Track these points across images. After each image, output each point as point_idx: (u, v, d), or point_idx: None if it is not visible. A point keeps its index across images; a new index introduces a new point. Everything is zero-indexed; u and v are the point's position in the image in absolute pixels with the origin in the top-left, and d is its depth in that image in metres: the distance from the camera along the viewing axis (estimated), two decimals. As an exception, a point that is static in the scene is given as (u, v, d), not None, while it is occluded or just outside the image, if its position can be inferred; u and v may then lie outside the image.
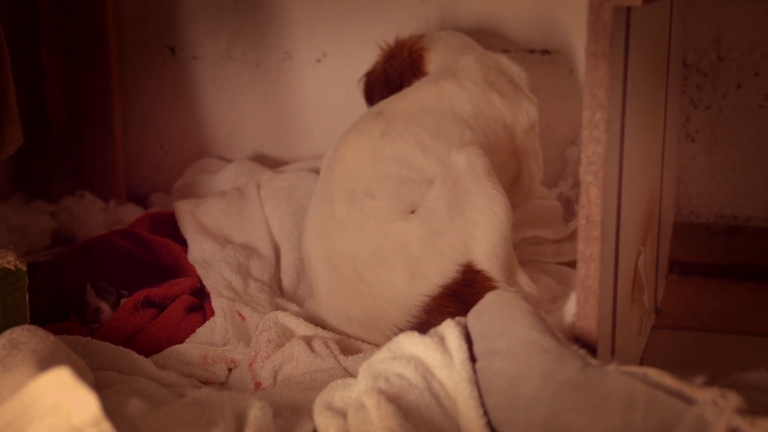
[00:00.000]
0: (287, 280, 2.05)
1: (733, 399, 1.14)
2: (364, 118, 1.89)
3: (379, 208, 1.72)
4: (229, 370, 1.74)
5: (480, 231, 1.67)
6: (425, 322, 1.65)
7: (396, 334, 1.59)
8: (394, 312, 1.68)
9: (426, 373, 1.34)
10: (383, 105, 1.91)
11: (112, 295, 1.88)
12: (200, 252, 2.07)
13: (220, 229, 2.18)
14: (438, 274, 1.67)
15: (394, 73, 2.08)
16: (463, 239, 1.67)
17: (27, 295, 1.63)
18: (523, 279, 1.72)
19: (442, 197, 1.69)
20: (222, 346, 1.76)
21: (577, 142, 2.40)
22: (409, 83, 2.02)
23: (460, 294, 1.66)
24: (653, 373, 1.21)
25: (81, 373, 1.40)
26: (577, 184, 2.33)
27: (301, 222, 2.12)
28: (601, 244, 1.32)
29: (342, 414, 1.33)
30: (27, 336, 1.42)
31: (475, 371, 1.33)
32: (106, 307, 1.85)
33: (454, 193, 1.69)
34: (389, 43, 2.14)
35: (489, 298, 1.41)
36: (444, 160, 1.75)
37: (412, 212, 1.70)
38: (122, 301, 1.88)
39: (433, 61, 2.05)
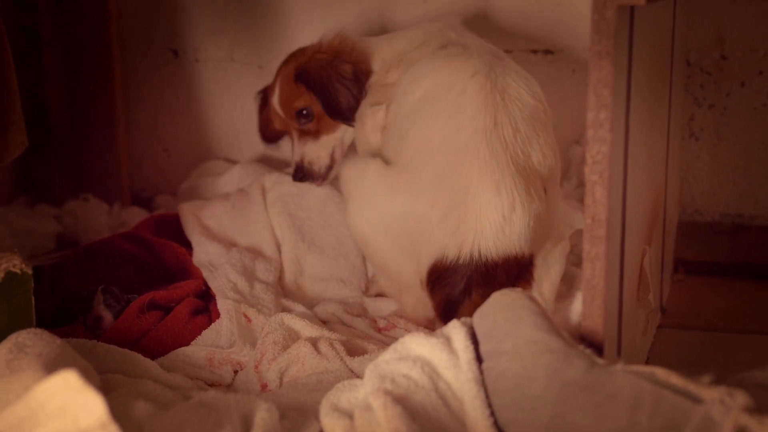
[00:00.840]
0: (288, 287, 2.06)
1: (741, 398, 1.14)
2: (498, 64, 1.88)
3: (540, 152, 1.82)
4: (235, 372, 1.74)
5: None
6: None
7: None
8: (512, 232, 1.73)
9: (432, 373, 1.34)
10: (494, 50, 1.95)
11: (119, 302, 1.87)
12: (205, 255, 2.07)
13: (224, 232, 2.17)
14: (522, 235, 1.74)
15: (348, 67, 2.07)
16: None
17: (33, 298, 1.63)
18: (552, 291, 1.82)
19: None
20: (228, 349, 1.76)
21: (580, 142, 2.40)
22: (366, 77, 2.06)
23: (519, 263, 1.75)
24: (660, 373, 1.21)
25: (87, 376, 1.40)
26: (581, 184, 2.33)
27: (306, 236, 2.14)
28: (606, 244, 1.32)
29: (349, 415, 1.33)
30: (33, 339, 1.42)
31: (481, 371, 1.33)
32: (108, 315, 1.85)
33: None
34: (322, 42, 2.12)
35: (494, 298, 1.41)
36: None
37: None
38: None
39: (378, 59, 2.09)
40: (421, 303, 1.83)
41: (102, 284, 1.89)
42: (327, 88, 2.06)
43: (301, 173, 2.14)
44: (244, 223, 2.17)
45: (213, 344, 1.78)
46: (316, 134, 2.13)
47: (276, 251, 2.11)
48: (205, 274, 1.98)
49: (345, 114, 2.06)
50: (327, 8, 2.55)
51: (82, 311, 1.87)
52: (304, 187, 2.20)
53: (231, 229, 2.17)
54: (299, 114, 2.11)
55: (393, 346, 1.41)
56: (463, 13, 2.44)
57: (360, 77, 2.07)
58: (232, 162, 2.66)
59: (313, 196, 2.18)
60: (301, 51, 2.15)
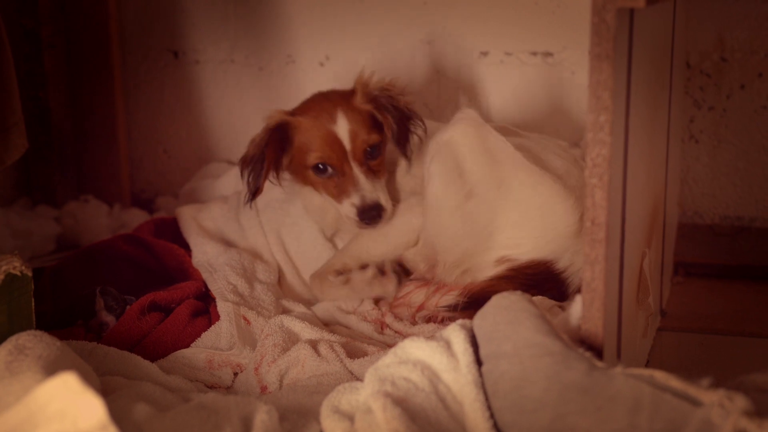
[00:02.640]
0: None
1: (740, 401, 1.14)
2: None
3: None
4: (235, 374, 1.74)
5: None
6: None
7: None
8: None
9: (432, 376, 1.34)
10: None
11: (119, 303, 1.87)
12: (203, 255, 2.07)
13: (222, 234, 2.18)
14: None
15: (412, 107, 2.08)
16: None
17: (33, 300, 1.63)
18: None
19: None
20: (227, 351, 1.76)
21: (580, 145, 2.40)
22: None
23: None
24: (659, 375, 1.21)
25: (87, 379, 1.40)
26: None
27: (290, 242, 2.14)
28: (606, 247, 1.32)
29: (349, 417, 1.33)
30: (33, 341, 1.43)
31: (481, 374, 1.33)
32: (112, 320, 1.85)
33: None
34: (382, 78, 2.07)
35: (494, 300, 1.41)
36: None
37: None
38: (127, 308, 1.88)
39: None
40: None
41: (99, 286, 1.89)
42: (406, 121, 2.01)
43: (381, 214, 1.98)
44: (239, 227, 2.18)
45: (213, 346, 1.78)
46: (377, 174, 2.01)
47: (271, 254, 2.12)
48: (205, 275, 1.98)
49: (409, 151, 2.03)
50: (329, 9, 2.55)
51: (82, 314, 1.87)
52: (291, 192, 2.19)
53: (228, 232, 2.18)
54: (369, 150, 1.98)
55: (393, 350, 1.42)
56: (464, 15, 2.45)
57: (416, 119, 2.04)
58: (234, 164, 2.66)
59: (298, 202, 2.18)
60: (350, 93, 2.02)
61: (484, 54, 2.46)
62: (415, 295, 1.93)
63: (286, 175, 2.06)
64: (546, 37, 2.41)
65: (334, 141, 1.97)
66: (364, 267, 2.02)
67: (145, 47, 2.72)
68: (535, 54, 2.43)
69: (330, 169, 1.98)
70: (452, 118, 1.99)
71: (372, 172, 1.99)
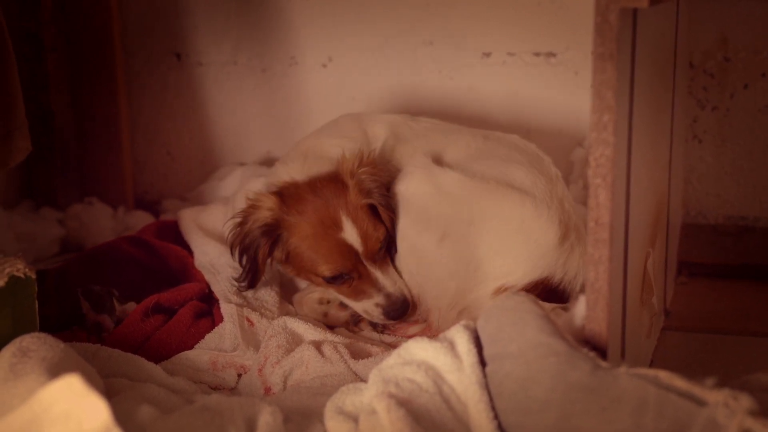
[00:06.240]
0: None
1: (745, 401, 1.14)
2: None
3: None
4: (239, 375, 1.74)
5: None
6: None
7: None
8: None
9: (436, 377, 1.34)
10: None
11: (106, 302, 1.86)
12: (204, 256, 2.07)
13: (223, 235, 2.18)
14: None
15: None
16: None
17: (36, 302, 1.64)
18: None
19: None
20: (231, 352, 1.76)
21: (583, 144, 2.40)
22: None
23: None
24: (664, 375, 1.21)
25: (91, 381, 1.40)
26: (585, 187, 2.33)
27: None
28: (609, 247, 1.32)
29: (353, 418, 1.33)
30: (37, 344, 1.43)
31: (485, 375, 1.33)
32: (105, 319, 1.85)
33: None
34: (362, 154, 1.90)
35: (498, 302, 1.41)
36: None
37: None
38: (128, 305, 1.89)
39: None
40: None
41: (80, 288, 1.89)
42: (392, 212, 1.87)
43: (407, 310, 1.84)
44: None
45: (216, 348, 1.78)
46: (386, 261, 1.87)
47: None
48: (208, 277, 1.98)
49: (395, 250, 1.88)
50: (332, 11, 2.56)
51: (74, 319, 1.87)
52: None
53: (228, 232, 2.18)
54: (381, 244, 1.84)
55: (397, 351, 1.42)
56: (466, 16, 2.45)
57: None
58: (242, 165, 2.66)
59: None
60: (335, 175, 1.87)
61: (487, 55, 2.46)
62: (410, 328, 1.89)
63: (279, 266, 1.92)
64: (549, 37, 2.41)
65: (346, 249, 1.82)
66: (343, 305, 1.91)
67: (147, 49, 2.72)
68: (538, 54, 2.43)
69: (344, 276, 1.84)
70: (405, 168, 1.90)
71: (384, 264, 1.86)
